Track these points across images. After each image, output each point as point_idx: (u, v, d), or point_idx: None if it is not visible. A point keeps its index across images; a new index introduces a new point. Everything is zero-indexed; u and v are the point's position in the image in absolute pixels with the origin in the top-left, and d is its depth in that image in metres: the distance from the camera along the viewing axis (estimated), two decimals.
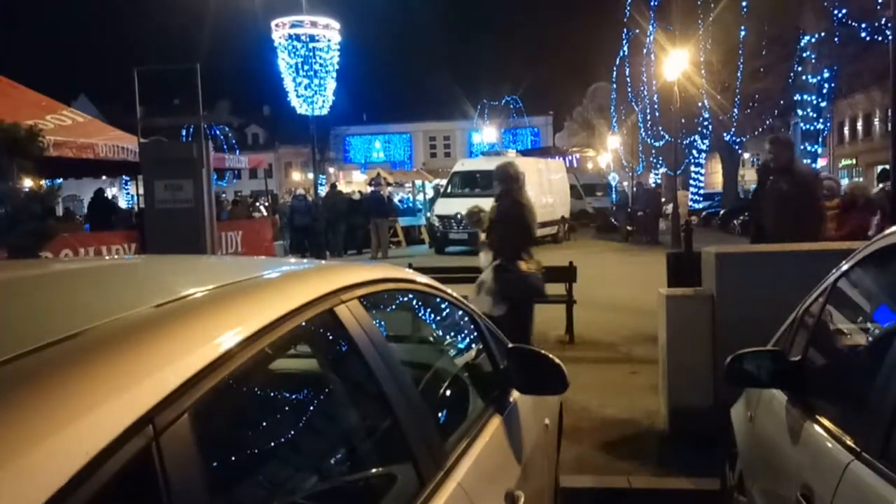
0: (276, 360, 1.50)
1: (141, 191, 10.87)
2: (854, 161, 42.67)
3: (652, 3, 32.72)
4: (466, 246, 18.10)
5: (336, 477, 1.63)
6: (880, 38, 19.77)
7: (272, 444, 1.51)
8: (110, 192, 27.19)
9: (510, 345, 2.64)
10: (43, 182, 9.69)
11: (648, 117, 37.64)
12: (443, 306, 2.63)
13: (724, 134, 31.30)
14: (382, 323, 2.02)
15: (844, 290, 2.46)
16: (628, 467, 4.50)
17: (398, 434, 1.65)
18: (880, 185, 11.38)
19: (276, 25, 18.49)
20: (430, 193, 31.11)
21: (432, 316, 2.68)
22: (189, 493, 0.96)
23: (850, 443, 1.89)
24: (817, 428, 2.16)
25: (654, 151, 39.60)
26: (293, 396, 1.78)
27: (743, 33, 26.87)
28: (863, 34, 21.83)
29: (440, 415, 2.15)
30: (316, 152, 21.44)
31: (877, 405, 1.84)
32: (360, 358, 1.63)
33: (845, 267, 2.44)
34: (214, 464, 1.14)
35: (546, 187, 23.69)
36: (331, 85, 18.70)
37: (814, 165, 26.48)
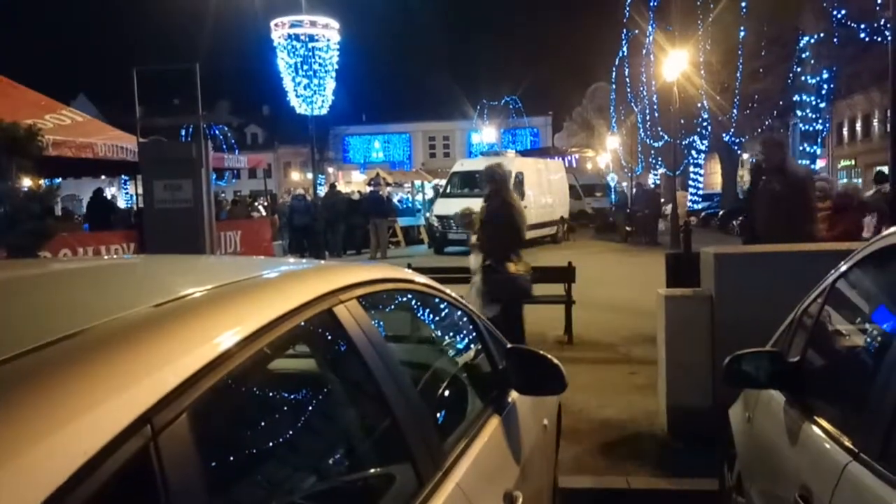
0: (275, 360, 1.50)
1: (140, 190, 10.86)
2: (853, 162, 42.70)
3: (651, 4, 32.74)
4: (465, 246, 18.02)
5: (334, 477, 1.63)
6: (879, 39, 19.78)
7: (271, 444, 1.51)
8: (109, 192, 27.18)
9: (509, 345, 2.64)
10: (42, 181, 9.68)
11: (648, 118, 37.63)
12: (442, 306, 2.63)
13: (724, 134, 31.31)
14: (381, 323, 2.02)
15: (843, 290, 2.47)
16: (627, 468, 4.50)
17: (397, 434, 1.65)
18: (877, 188, 11.41)
19: (276, 25, 18.51)
20: (429, 193, 31.12)
21: (431, 316, 2.68)
22: (187, 493, 0.96)
23: (848, 444, 1.89)
24: (816, 429, 2.16)
25: (653, 152, 39.61)
26: (292, 396, 1.78)
27: (742, 34, 26.89)
28: (862, 35, 21.84)
29: (439, 415, 2.15)
30: (315, 152, 21.47)
31: (875, 406, 1.84)
32: (358, 358, 1.63)
33: (844, 268, 2.45)
34: (213, 463, 1.14)
35: (545, 187, 23.70)
36: (330, 85, 18.72)
37: (812, 166, 26.54)
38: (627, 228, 23.99)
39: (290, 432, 1.60)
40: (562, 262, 8.41)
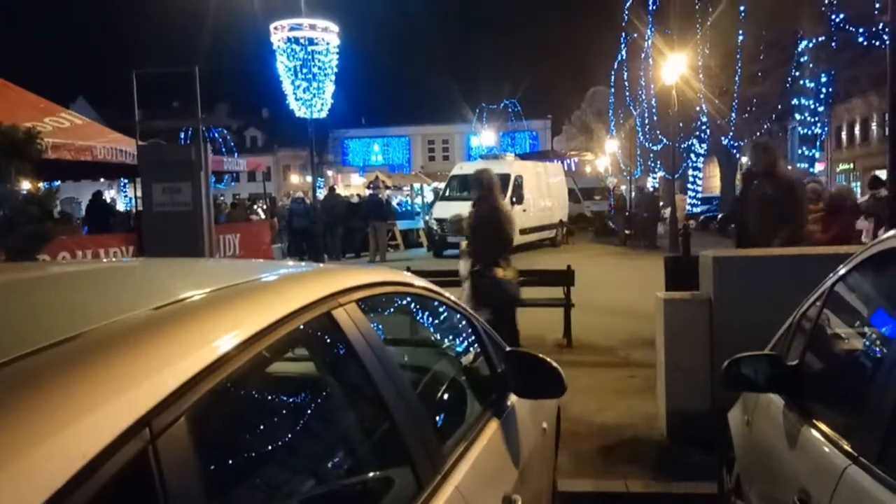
0: (274, 364, 1.50)
1: (139, 193, 10.85)
2: (852, 165, 42.76)
3: (650, 8, 32.80)
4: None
5: (333, 481, 1.63)
6: (878, 43, 19.82)
7: (269, 447, 1.50)
8: (108, 195, 27.18)
9: (508, 348, 2.64)
10: (41, 184, 9.69)
11: (646, 121, 37.67)
12: (440, 310, 2.63)
13: (722, 138, 31.34)
14: (380, 326, 2.02)
15: (842, 294, 2.47)
16: (626, 471, 4.49)
17: (396, 438, 1.65)
18: (871, 193, 11.44)
19: (275, 28, 18.51)
20: (428, 197, 31.12)
21: (430, 319, 2.68)
22: (186, 496, 0.96)
23: (847, 447, 1.89)
24: (814, 432, 2.16)
25: (652, 155, 39.64)
26: (291, 400, 1.78)
27: (741, 38, 26.93)
28: (860, 39, 21.89)
29: (438, 418, 2.15)
30: (314, 155, 21.46)
31: (874, 409, 1.84)
32: (357, 361, 1.63)
33: (842, 271, 2.45)
34: (211, 467, 1.14)
35: (544, 191, 23.71)
36: (329, 88, 18.71)
37: (811, 170, 26.56)
38: (626, 232, 24.00)
39: (289, 436, 1.60)
40: (561, 265, 8.42)
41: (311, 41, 18.17)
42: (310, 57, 18.18)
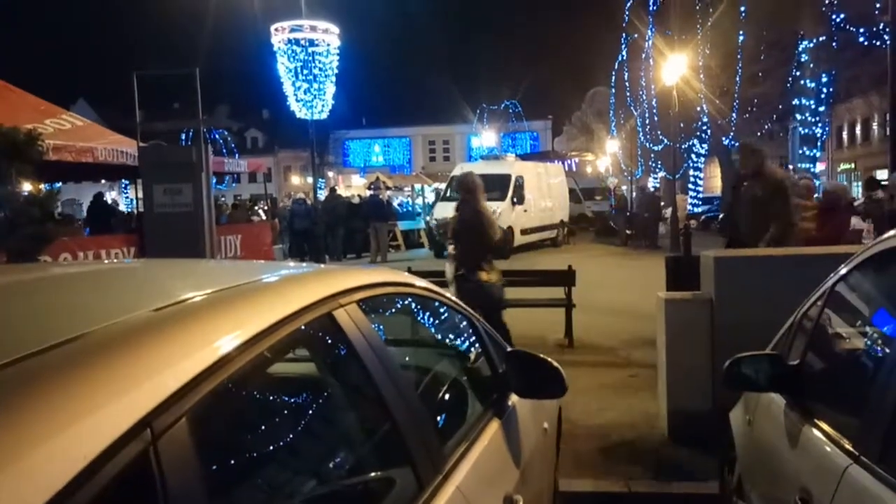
0: (275, 364, 1.50)
1: (140, 195, 10.87)
2: (853, 165, 42.75)
3: (651, 8, 32.79)
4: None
5: (335, 481, 1.63)
6: (878, 43, 19.81)
7: (271, 448, 1.51)
8: (110, 196, 27.20)
9: (509, 348, 2.64)
10: (42, 186, 9.70)
11: (647, 122, 37.66)
12: (441, 310, 2.63)
13: (723, 138, 31.33)
14: (381, 327, 2.02)
15: (843, 293, 2.47)
16: (627, 471, 4.49)
17: (397, 438, 1.65)
18: (867, 194, 11.47)
19: (276, 30, 18.54)
20: (429, 197, 31.11)
21: (431, 320, 2.69)
22: (187, 497, 0.96)
23: (848, 447, 1.89)
24: (816, 432, 2.16)
25: (652, 155, 39.62)
26: (292, 400, 1.78)
27: (741, 38, 26.93)
28: (861, 39, 21.88)
29: (439, 418, 2.15)
30: (315, 156, 21.49)
31: (875, 409, 1.84)
32: (358, 362, 1.63)
33: (843, 271, 2.45)
34: (213, 467, 1.14)
35: (545, 191, 23.70)
36: (330, 89, 18.74)
37: (812, 169, 26.56)
38: (627, 232, 24.00)
39: (291, 436, 1.60)
40: (562, 265, 8.42)
41: (311, 42, 18.21)
42: (310, 58, 18.21)
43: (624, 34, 37.83)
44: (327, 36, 18.50)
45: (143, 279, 2.02)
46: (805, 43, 25.25)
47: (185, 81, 9.57)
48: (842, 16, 22.92)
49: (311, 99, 18.36)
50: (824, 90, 26.15)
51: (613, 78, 42.96)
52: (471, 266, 6.13)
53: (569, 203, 26.52)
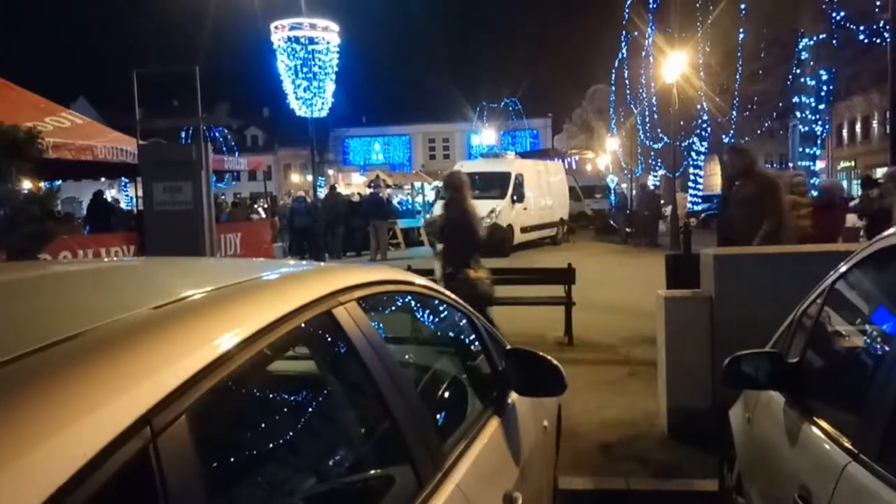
0: (275, 362, 1.50)
1: (140, 193, 10.86)
2: (853, 163, 42.75)
3: (651, 6, 32.77)
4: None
5: (334, 478, 1.63)
6: (878, 41, 19.82)
7: (270, 445, 1.51)
8: (109, 194, 27.19)
9: (508, 346, 2.65)
10: (42, 184, 9.69)
11: (647, 119, 37.65)
12: (441, 308, 2.63)
13: (723, 136, 31.32)
14: (381, 325, 2.02)
15: (842, 291, 2.47)
16: (627, 469, 4.50)
17: (396, 436, 1.65)
18: (863, 193, 11.49)
19: (276, 28, 18.52)
20: (429, 195, 31.10)
21: (430, 318, 2.69)
22: (187, 494, 0.97)
23: (847, 444, 1.89)
24: (815, 430, 2.16)
25: (652, 153, 39.62)
26: (291, 398, 1.78)
27: (741, 36, 26.92)
28: (861, 37, 21.87)
29: (438, 416, 2.15)
30: (315, 154, 21.48)
31: (874, 407, 1.84)
32: (358, 360, 1.63)
33: (843, 269, 2.45)
34: (212, 465, 1.14)
35: (545, 189, 23.71)
36: (330, 87, 18.72)
37: (812, 167, 26.55)
38: (627, 230, 24.00)
39: (290, 434, 1.60)
40: (562, 263, 8.42)
41: (311, 40, 18.18)
42: (310, 56, 18.19)
43: (624, 32, 37.84)
44: (327, 34, 18.48)
45: (143, 277, 2.02)
46: (805, 40, 25.24)
47: (185, 79, 9.56)
48: (842, 13, 22.91)
49: (310, 97, 18.35)
50: (824, 88, 26.14)
51: (613, 76, 42.97)
52: (459, 263, 6.19)
53: (569, 201, 26.52)
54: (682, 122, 26.28)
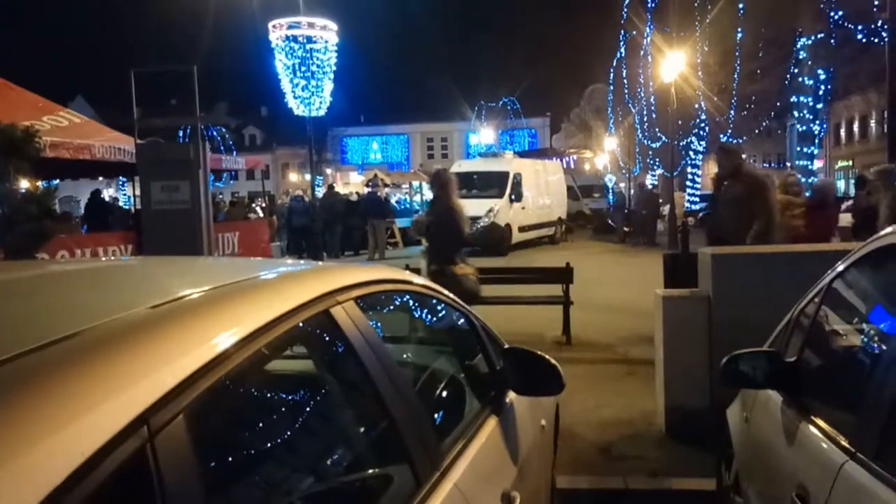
0: (272, 361, 1.50)
1: (138, 192, 10.85)
2: (851, 163, 42.79)
3: (649, 5, 32.79)
4: (464, 247, 18.06)
5: (332, 478, 1.63)
6: (876, 40, 19.84)
7: (268, 444, 1.51)
8: (108, 193, 27.16)
9: (506, 346, 2.65)
10: (39, 183, 9.67)
11: (645, 119, 37.67)
12: (439, 307, 2.63)
13: (721, 135, 31.33)
14: (379, 324, 2.02)
15: (840, 291, 2.47)
16: (625, 468, 4.50)
17: (394, 435, 1.65)
18: (856, 193, 11.50)
19: (274, 27, 18.49)
20: (427, 195, 31.09)
21: (428, 317, 2.69)
22: (184, 494, 0.97)
23: (845, 443, 1.89)
24: (812, 429, 2.16)
25: (651, 153, 39.64)
26: (289, 397, 1.78)
27: (739, 35, 26.94)
28: (859, 36, 21.90)
29: (436, 416, 2.15)
30: (313, 153, 21.45)
31: (871, 406, 1.85)
32: (356, 359, 1.63)
33: (840, 268, 2.45)
34: (210, 464, 1.14)
35: (543, 188, 23.71)
36: (328, 86, 18.70)
37: (810, 167, 26.58)
38: (625, 229, 24.02)
39: (288, 433, 1.60)
40: (560, 262, 8.42)
41: (309, 39, 18.16)
42: (308, 55, 18.17)
43: (622, 31, 37.86)
44: (325, 33, 18.46)
45: (141, 276, 2.02)
46: (803, 40, 25.28)
47: (183, 78, 9.54)
48: (840, 13, 22.95)
49: (308, 96, 18.34)
50: (822, 87, 26.18)
51: (612, 75, 42.99)
52: (444, 261, 6.23)
53: (567, 200, 26.52)
54: (680, 122, 26.32)
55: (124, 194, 34.38)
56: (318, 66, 18.31)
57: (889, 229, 2.14)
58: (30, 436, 0.80)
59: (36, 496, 0.76)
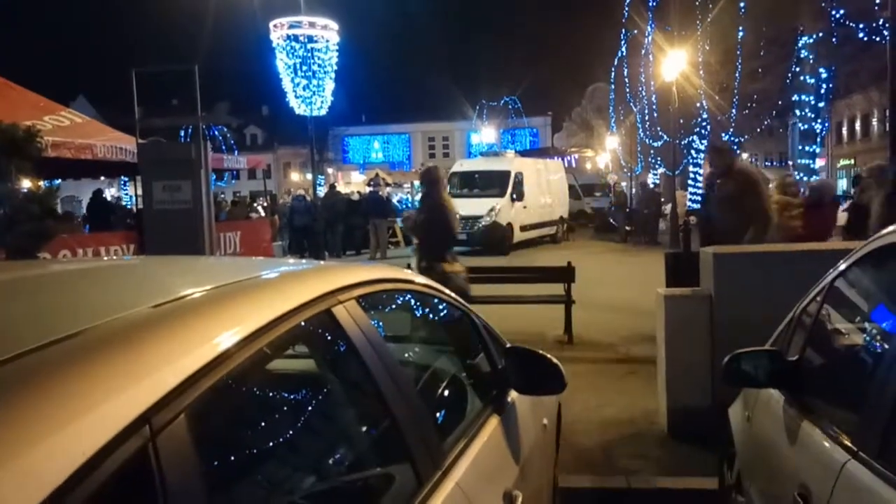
0: (274, 361, 1.50)
1: (139, 191, 10.86)
2: (852, 161, 42.72)
3: (650, 4, 32.74)
4: (466, 246, 18.12)
5: (334, 477, 1.63)
6: (878, 39, 19.81)
7: (270, 444, 1.51)
8: (109, 193, 27.19)
9: (508, 345, 2.65)
10: (41, 183, 9.68)
11: (647, 118, 37.62)
12: (440, 307, 2.63)
13: (723, 134, 31.29)
14: (380, 323, 2.02)
15: (841, 289, 2.47)
16: (627, 467, 4.50)
17: (396, 434, 1.65)
18: (854, 191, 11.49)
19: (275, 26, 18.48)
20: None
21: (430, 316, 2.69)
22: (186, 493, 0.97)
23: (846, 442, 1.89)
24: (814, 428, 2.16)
25: (652, 152, 39.59)
26: (291, 397, 1.78)
27: (741, 34, 26.90)
28: (860, 34, 21.87)
29: (438, 415, 2.15)
30: (314, 153, 21.45)
31: (874, 405, 1.84)
32: (357, 358, 1.63)
33: (842, 267, 2.45)
34: (212, 464, 1.14)
35: (544, 188, 23.70)
36: (329, 85, 18.69)
37: (812, 165, 26.55)
38: (627, 228, 24.00)
39: (290, 432, 1.60)
40: (561, 261, 8.42)
41: (310, 39, 18.15)
42: (309, 54, 18.15)
43: (623, 30, 37.79)
44: (326, 32, 18.45)
45: (143, 276, 2.02)
46: (804, 39, 25.24)
47: (184, 78, 9.54)
48: (841, 11, 22.91)
49: (310, 95, 18.33)
50: (824, 86, 26.14)
51: (613, 74, 42.93)
52: (434, 258, 6.25)
53: (568, 199, 26.51)
54: (681, 121, 26.28)
55: (126, 194, 34.40)
56: (319, 65, 18.30)
57: (891, 228, 2.14)
58: (31, 435, 0.80)
59: (37, 496, 0.76)
